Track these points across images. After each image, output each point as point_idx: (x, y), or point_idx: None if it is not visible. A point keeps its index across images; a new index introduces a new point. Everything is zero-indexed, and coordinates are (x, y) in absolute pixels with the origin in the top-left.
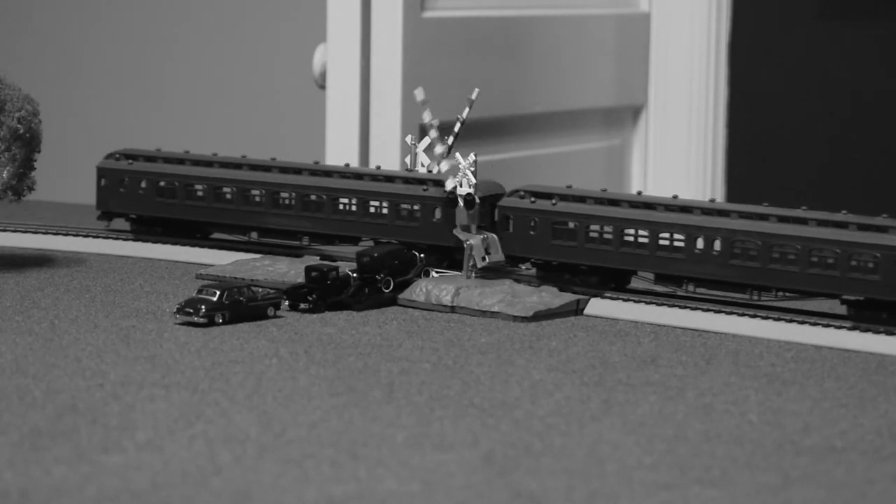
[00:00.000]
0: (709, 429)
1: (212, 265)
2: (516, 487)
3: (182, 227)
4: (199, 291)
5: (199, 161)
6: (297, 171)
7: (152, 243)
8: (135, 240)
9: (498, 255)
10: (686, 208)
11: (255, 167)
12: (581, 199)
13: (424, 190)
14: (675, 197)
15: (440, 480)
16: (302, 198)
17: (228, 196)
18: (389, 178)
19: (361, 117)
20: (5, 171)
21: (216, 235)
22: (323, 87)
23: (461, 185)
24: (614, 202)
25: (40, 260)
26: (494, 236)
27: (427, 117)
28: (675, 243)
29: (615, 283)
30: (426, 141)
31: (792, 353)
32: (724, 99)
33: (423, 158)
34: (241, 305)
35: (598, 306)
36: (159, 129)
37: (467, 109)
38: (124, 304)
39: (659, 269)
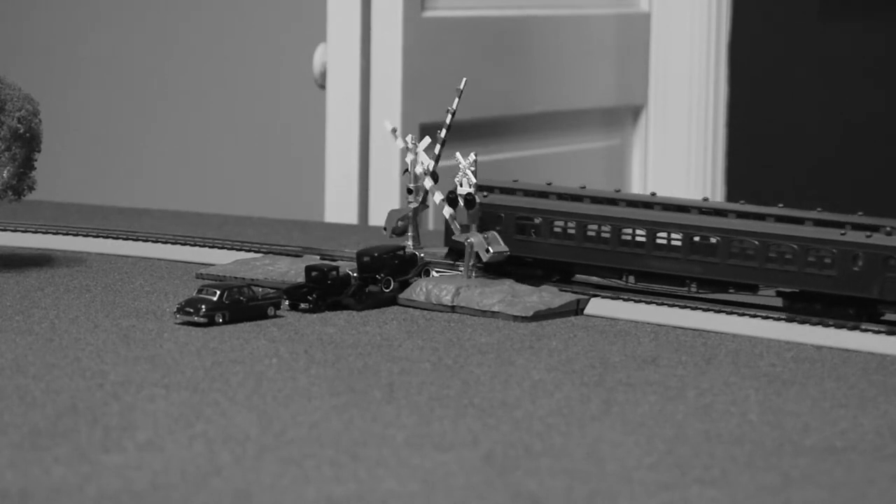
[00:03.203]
0: (709, 429)
1: (212, 265)
2: (516, 487)
3: (543, 267)
4: (200, 291)
5: (564, 195)
6: (684, 208)
7: (152, 243)
8: (135, 239)
9: (501, 247)
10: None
11: (632, 203)
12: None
13: (842, 234)
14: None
15: (440, 480)
16: (690, 238)
17: (600, 234)
18: (798, 220)
19: (361, 117)
20: (5, 171)
21: (580, 278)
22: (323, 87)
23: (461, 185)
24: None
25: (40, 260)
26: (495, 233)
27: (401, 144)
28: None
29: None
30: (426, 141)
31: (792, 353)
32: (724, 99)
33: (423, 158)
34: (241, 305)
35: (598, 306)
36: (159, 129)
37: (457, 100)
38: (124, 303)
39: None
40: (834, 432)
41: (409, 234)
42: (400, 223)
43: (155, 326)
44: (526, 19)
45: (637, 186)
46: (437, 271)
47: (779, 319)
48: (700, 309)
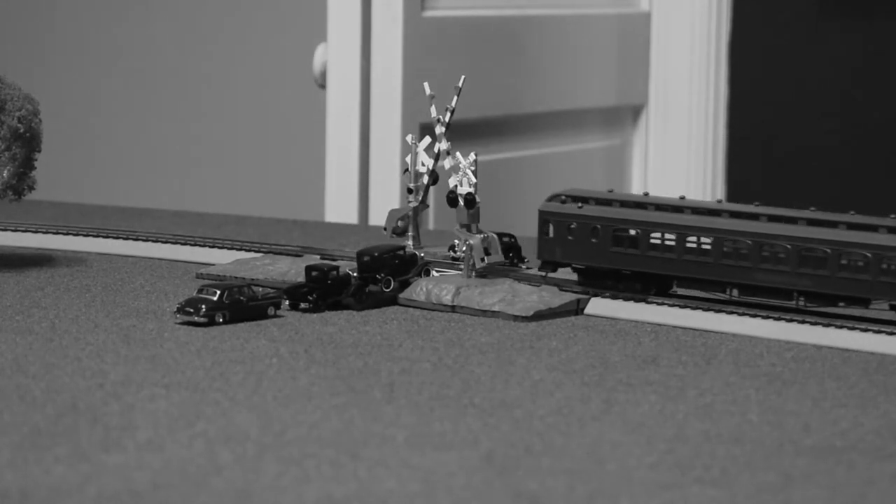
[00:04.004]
0: (709, 428)
1: (212, 265)
2: (516, 487)
3: (640, 280)
4: (200, 291)
5: (663, 205)
6: (791, 219)
7: (152, 243)
8: (135, 239)
9: (497, 256)
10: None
11: (736, 214)
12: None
13: None
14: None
15: (440, 480)
16: (799, 251)
17: (701, 247)
18: None
19: (361, 117)
20: (5, 171)
21: (679, 290)
22: (323, 87)
23: (461, 185)
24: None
25: (40, 259)
26: (494, 236)
27: (434, 113)
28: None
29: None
30: (426, 140)
31: (792, 353)
32: (724, 99)
33: (423, 158)
34: (241, 305)
35: (598, 306)
36: (159, 129)
37: (455, 98)
38: (124, 303)
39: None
40: (834, 432)
41: (410, 233)
42: (400, 223)
43: (155, 326)
44: (526, 19)
45: (637, 186)
46: (437, 271)
47: (779, 319)
48: (700, 309)
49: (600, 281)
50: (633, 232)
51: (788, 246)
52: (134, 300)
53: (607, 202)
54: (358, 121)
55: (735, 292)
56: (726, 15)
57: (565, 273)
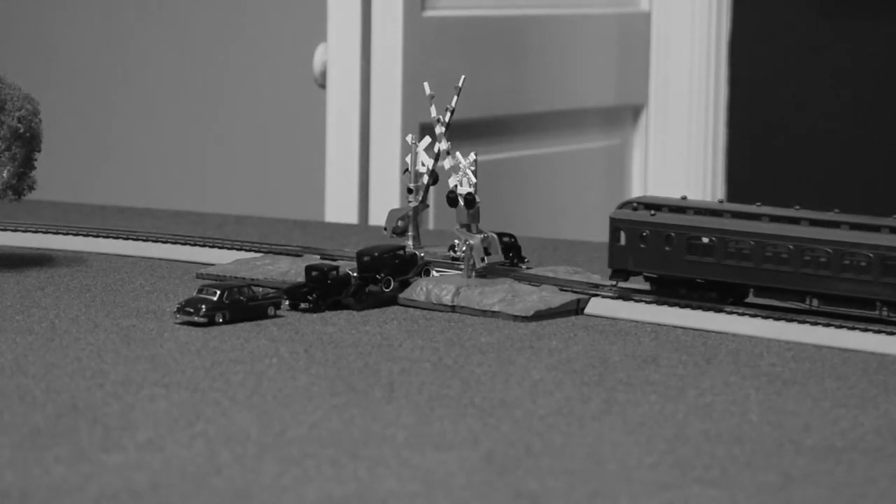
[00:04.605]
0: (709, 428)
1: (212, 265)
2: (516, 487)
3: (716, 289)
4: (200, 291)
5: (739, 213)
6: (874, 227)
7: (152, 243)
8: (135, 239)
9: (497, 256)
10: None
11: (815, 222)
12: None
13: None
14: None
15: (440, 480)
16: (882, 260)
17: (780, 255)
18: None
19: (361, 117)
20: (5, 171)
21: (754, 300)
22: (323, 86)
23: (461, 185)
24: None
25: (40, 259)
26: (494, 236)
27: (434, 112)
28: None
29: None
30: (426, 140)
31: (792, 353)
32: (725, 99)
33: (423, 158)
34: (241, 305)
35: (598, 306)
36: (159, 129)
37: (455, 98)
38: (124, 303)
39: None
40: (834, 432)
41: (410, 233)
42: (400, 223)
43: (155, 326)
44: (526, 19)
45: (637, 186)
46: (437, 271)
47: (779, 319)
48: (700, 308)
49: (673, 290)
50: (708, 240)
51: (871, 255)
52: (134, 300)
53: (681, 209)
54: (358, 121)
55: (815, 302)
56: (726, 15)
57: (637, 282)
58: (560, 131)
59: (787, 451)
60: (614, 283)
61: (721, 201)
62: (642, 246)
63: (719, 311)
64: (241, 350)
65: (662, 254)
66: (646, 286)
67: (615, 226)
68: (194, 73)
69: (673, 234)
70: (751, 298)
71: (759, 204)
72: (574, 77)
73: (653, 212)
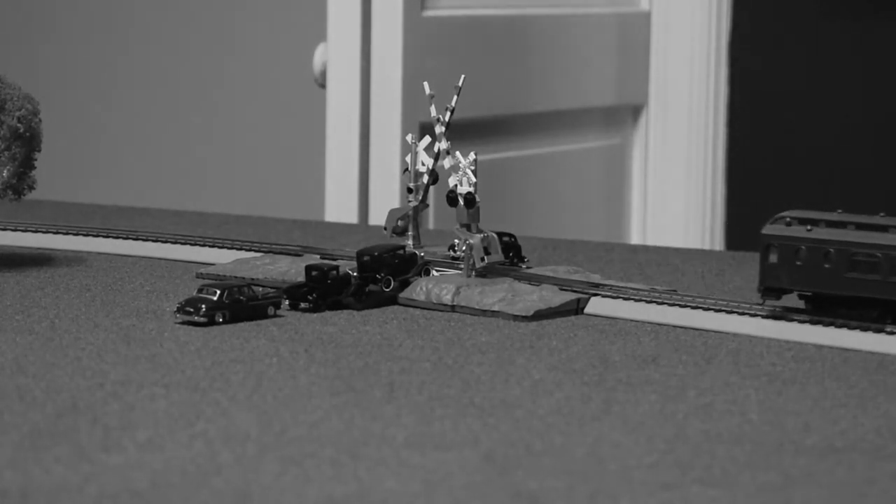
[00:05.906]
0: (709, 428)
1: (212, 264)
2: (517, 487)
3: (878, 308)
4: (200, 290)
5: None
6: None
7: (152, 243)
8: (135, 239)
9: (497, 256)
10: None
11: None
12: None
13: None
14: None
15: (440, 480)
16: None
17: None
18: None
19: (361, 117)
20: (5, 171)
21: None
22: (323, 86)
23: (461, 184)
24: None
25: (40, 259)
26: (494, 235)
27: (433, 112)
28: None
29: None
30: (426, 140)
31: (792, 353)
32: (724, 99)
33: (423, 157)
34: (241, 304)
35: (598, 305)
36: (159, 129)
37: (455, 97)
38: (124, 303)
39: None
40: (834, 432)
41: (410, 233)
42: (400, 222)
43: (155, 326)
44: (526, 19)
45: (637, 186)
46: (437, 271)
47: (779, 319)
48: (700, 308)
49: (832, 309)
50: (873, 256)
51: None
52: (134, 300)
53: (840, 224)
54: (358, 120)
55: None
56: (726, 15)
57: (790, 300)
58: (560, 131)
59: (787, 451)
60: (762, 301)
61: (882, 215)
62: (798, 263)
63: (719, 311)
64: (241, 350)
65: (821, 271)
66: (800, 304)
67: (767, 242)
68: (194, 73)
69: (832, 251)
70: None
71: None
72: (574, 77)
73: (809, 227)
